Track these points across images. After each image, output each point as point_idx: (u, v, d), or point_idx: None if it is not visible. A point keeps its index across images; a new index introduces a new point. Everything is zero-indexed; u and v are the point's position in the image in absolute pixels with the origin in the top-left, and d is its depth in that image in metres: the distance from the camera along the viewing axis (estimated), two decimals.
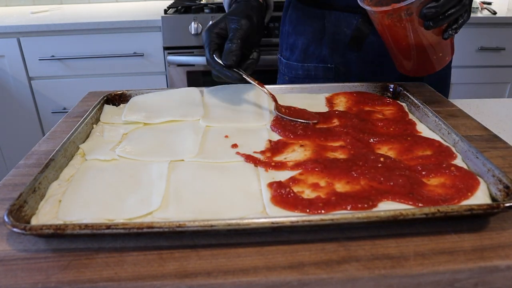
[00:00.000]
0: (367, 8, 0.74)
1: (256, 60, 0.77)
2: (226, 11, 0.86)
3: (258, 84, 0.76)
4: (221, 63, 0.72)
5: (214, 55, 0.73)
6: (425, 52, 0.76)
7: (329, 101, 0.82)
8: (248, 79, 0.74)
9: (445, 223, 0.50)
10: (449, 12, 0.67)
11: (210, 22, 1.97)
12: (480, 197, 0.51)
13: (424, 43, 0.74)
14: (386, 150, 0.64)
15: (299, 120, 0.72)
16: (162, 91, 0.86)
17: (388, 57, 0.86)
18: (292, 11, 1.05)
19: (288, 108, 0.76)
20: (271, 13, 0.91)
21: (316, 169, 0.57)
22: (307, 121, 0.71)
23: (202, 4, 2.19)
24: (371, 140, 0.66)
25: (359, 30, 0.94)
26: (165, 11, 2.08)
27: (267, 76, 1.17)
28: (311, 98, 0.83)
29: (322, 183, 0.55)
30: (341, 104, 0.81)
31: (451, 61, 1.06)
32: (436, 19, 0.67)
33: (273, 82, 1.09)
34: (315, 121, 0.72)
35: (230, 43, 0.72)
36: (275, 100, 0.76)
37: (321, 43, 1.00)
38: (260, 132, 0.70)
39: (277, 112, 0.74)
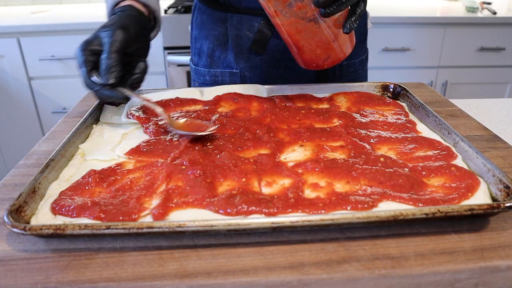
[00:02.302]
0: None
1: (142, 73, 0.71)
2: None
3: (146, 100, 0.71)
4: (101, 83, 0.66)
5: (92, 76, 0.67)
6: (325, 44, 0.72)
7: (330, 101, 0.82)
8: (133, 96, 0.69)
9: (445, 223, 0.50)
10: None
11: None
12: (480, 197, 0.51)
13: (323, 32, 0.70)
14: (386, 150, 0.64)
15: (193, 133, 0.65)
16: (162, 91, 0.86)
17: (294, 59, 0.82)
18: (198, 15, 1.00)
19: (178, 124, 0.69)
20: (159, 27, 0.85)
21: (316, 169, 0.57)
22: (202, 133, 0.65)
23: None
24: (371, 140, 0.66)
25: (261, 32, 0.91)
26: (165, 11, 2.08)
27: None
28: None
29: (322, 183, 0.55)
30: (341, 104, 0.82)
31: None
32: (330, 6, 0.63)
33: None
34: (214, 128, 0.66)
35: (106, 59, 0.66)
36: (168, 115, 0.70)
37: (226, 47, 0.96)
38: None
39: (169, 129, 0.68)
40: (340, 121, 0.73)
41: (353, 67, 1.03)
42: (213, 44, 0.98)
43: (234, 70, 0.97)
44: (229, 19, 0.94)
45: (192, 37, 1.05)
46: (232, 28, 0.94)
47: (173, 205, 0.50)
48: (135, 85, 0.71)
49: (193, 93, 0.84)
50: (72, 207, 0.50)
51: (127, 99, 0.70)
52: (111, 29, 0.68)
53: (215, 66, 0.99)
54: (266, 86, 0.86)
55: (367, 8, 1.09)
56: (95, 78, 0.67)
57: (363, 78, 1.08)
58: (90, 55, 0.68)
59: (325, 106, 0.81)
